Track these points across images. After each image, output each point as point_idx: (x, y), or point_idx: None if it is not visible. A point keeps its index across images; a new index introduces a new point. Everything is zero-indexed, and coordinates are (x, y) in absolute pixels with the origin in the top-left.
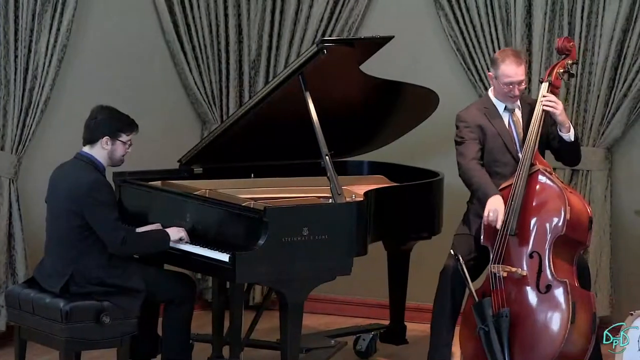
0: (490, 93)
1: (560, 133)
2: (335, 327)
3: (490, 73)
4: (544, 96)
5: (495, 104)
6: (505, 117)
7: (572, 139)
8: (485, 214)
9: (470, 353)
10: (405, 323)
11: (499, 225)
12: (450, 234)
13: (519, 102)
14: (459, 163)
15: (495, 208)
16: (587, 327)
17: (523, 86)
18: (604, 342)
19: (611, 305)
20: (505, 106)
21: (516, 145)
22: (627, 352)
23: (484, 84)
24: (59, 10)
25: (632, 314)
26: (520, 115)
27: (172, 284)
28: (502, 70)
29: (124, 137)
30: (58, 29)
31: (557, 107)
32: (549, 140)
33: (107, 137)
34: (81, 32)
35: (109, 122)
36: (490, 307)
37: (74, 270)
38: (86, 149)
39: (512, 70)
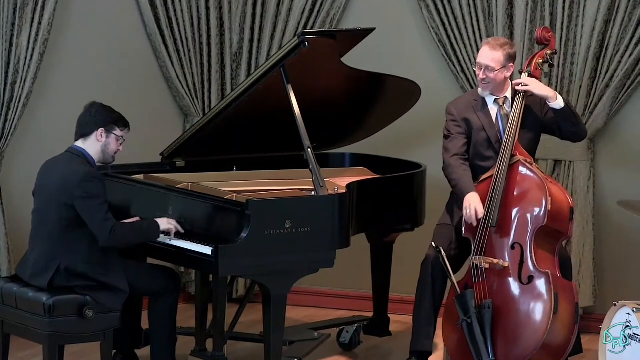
0: None
1: (550, 105)
2: (318, 320)
3: None
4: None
5: (484, 96)
6: (494, 111)
7: (563, 105)
8: (465, 211)
9: (453, 345)
10: (389, 315)
11: (481, 217)
12: (433, 226)
13: (509, 95)
14: (443, 157)
15: (470, 204)
16: (570, 317)
17: (491, 75)
18: (604, 342)
19: (594, 296)
20: (495, 99)
21: (501, 140)
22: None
23: (465, 75)
24: (40, 3)
25: (615, 305)
26: (510, 109)
27: (155, 277)
28: (479, 51)
29: (117, 131)
30: (39, 23)
31: (528, 84)
32: (552, 127)
33: (102, 129)
34: (63, 25)
35: (104, 114)
36: (472, 299)
37: (60, 265)
38: (79, 144)
39: (483, 52)
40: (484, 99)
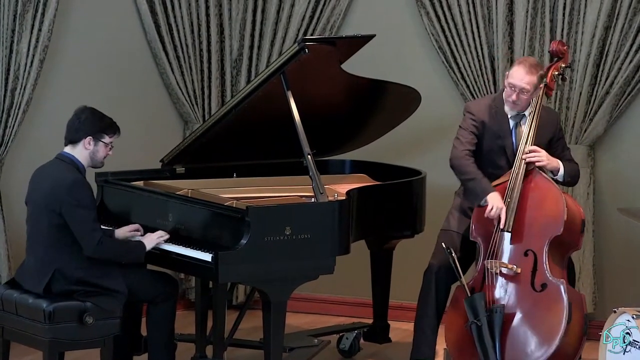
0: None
1: (553, 177)
2: (318, 326)
3: (507, 72)
4: (525, 152)
5: (509, 114)
6: (511, 123)
7: (563, 179)
8: (488, 209)
9: (456, 346)
10: (389, 322)
11: (502, 226)
12: (433, 233)
13: (527, 112)
14: (454, 145)
15: (499, 206)
16: (580, 328)
17: (524, 96)
18: (604, 341)
19: (594, 302)
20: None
21: (514, 151)
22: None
23: (465, 82)
24: (40, 10)
25: (615, 312)
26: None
27: (154, 283)
28: (511, 71)
29: (106, 139)
30: (39, 30)
31: (543, 159)
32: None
33: (90, 137)
34: (63, 32)
35: (92, 122)
36: (483, 302)
37: (55, 270)
38: (67, 150)
39: (518, 74)
40: (504, 107)
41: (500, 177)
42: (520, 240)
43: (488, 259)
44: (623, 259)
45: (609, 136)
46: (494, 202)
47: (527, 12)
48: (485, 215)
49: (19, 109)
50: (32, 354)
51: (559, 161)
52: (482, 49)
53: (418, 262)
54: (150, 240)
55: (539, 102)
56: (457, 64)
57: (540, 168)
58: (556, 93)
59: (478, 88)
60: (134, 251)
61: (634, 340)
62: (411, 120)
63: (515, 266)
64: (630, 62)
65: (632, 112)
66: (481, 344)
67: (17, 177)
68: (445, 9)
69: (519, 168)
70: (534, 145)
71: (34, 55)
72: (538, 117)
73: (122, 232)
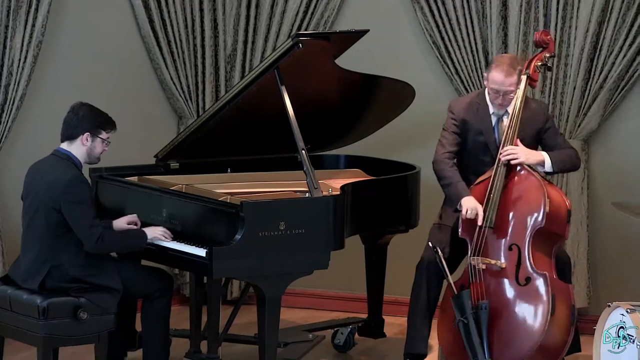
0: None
1: (541, 170)
2: (313, 321)
3: (485, 73)
4: (501, 153)
5: (487, 102)
6: (494, 119)
7: (553, 169)
8: (464, 212)
9: (448, 345)
10: (383, 316)
11: (480, 222)
12: (427, 228)
13: (510, 108)
14: (436, 149)
15: (473, 206)
16: (566, 319)
17: (510, 96)
18: (604, 342)
19: (589, 297)
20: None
21: (497, 147)
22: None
23: (460, 77)
24: (34, 6)
25: (609, 306)
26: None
27: (149, 278)
28: (491, 76)
29: (103, 135)
30: (33, 25)
31: (518, 156)
32: (541, 144)
33: (87, 133)
34: (56, 28)
35: (90, 118)
36: (469, 299)
37: (51, 268)
38: (64, 146)
39: (499, 78)
40: (487, 104)
41: (485, 173)
42: (504, 235)
43: (473, 256)
44: (617, 254)
45: (603, 131)
46: (468, 204)
47: (520, 6)
48: (462, 218)
49: (13, 105)
50: (27, 350)
51: (541, 153)
52: (476, 43)
53: (412, 257)
54: (153, 233)
55: (522, 94)
56: (451, 59)
57: (525, 165)
58: (550, 88)
59: (472, 83)
60: (135, 241)
61: (629, 335)
62: (405, 115)
63: (499, 261)
64: (624, 56)
65: (626, 107)
66: (469, 341)
67: (12, 173)
68: (440, 4)
69: (501, 162)
70: (520, 138)
71: (27, 51)
72: (520, 110)
73: (119, 224)
